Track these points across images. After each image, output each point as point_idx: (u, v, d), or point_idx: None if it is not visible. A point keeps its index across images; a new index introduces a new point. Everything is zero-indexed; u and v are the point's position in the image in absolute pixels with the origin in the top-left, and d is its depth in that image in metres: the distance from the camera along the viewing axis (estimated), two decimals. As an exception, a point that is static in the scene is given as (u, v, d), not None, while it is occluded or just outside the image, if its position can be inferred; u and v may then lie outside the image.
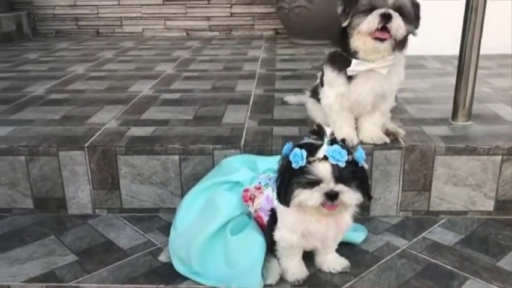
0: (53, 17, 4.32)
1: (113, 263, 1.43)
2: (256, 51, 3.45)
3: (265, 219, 1.35)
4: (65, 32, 4.35)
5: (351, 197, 1.15)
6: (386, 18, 1.36)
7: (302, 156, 1.13)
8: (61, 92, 2.36)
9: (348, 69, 1.48)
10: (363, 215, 1.61)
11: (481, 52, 1.73)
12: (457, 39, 1.75)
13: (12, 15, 4.01)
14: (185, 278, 1.34)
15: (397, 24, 1.37)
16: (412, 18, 1.41)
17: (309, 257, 1.38)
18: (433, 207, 1.67)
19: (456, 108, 1.81)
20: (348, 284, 1.32)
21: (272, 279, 1.32)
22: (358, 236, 1.51)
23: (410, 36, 1.45)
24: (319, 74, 1.69)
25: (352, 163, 1.15)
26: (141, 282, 1.34)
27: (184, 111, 2.02)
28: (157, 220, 1.67)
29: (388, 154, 1.62)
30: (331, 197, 1.14)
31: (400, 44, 1.45)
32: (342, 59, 1.50)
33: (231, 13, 4.22)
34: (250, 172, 1.47)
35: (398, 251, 1.47)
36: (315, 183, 1.14)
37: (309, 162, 1.14)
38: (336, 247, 1.38)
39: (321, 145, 1.15)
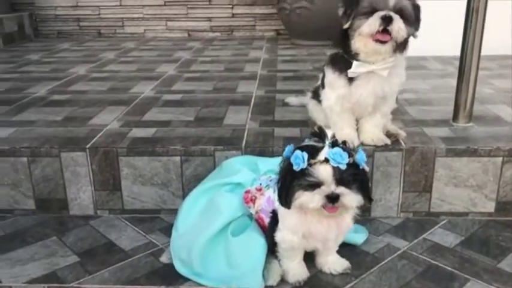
0: (55, 18, 4.33)
1: (115, 264, 1.44)
2: (257, 52, 3.45)
3: (266, 220, 1.35)
4: (66, 32, 4.35)
5: (351, 199, 1.15)
6: (387, 20, 1.37)
7: (303, 159, 1.14)
8: (63, 93, 2.37)
9: (348, 71, 1.49)
10: (363, 216, 1.62)
11: (482, 53, 1.73)
12: (458, 40, 1.75)
13: (14, 16, 4.02)
14: (186, 279, 1.35)
15: (398, 27, 1.37)
16: (413, 20, 1.42)
17: (309, 258, 1.38)
18: (433, 209, 1.67)
19: (457, 109, 1.81)
20: (348, 285, 1.32)
21: (273, 280, 1.32)
22: (359, 237, 1.51)
23: (411, 38, 1.46)
24: (320, 75, 1.69)
25: (353, 165, 1.15)
26: (143, 283, 1.35)
27: (185, 113, 2.03)
28: (159, 221, 1.68)
29: (389, 155, 1.62)
30: (332, 199, 1.14)
31: (401, 46, 1.45)
32: (342, 60, 1.51)
33: (233, 14, 4.22)
34: (251, 173, 1.47)
35: (399, 252, 1.47)
36: (316, 185, 1.14)
37: (310, 165, 1.14)
38: (336, 248, 1.38)
39: (322, 147, 1.15)
